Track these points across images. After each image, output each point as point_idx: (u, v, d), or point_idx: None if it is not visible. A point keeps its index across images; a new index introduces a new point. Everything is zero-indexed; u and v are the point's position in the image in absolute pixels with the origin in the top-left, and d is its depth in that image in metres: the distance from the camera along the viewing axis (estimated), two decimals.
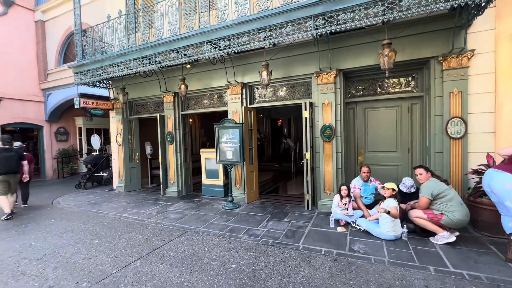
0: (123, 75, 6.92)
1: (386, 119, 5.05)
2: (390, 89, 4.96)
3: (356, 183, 4.50)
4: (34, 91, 10.22)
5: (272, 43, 4.33)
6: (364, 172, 4.45)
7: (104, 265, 3.16)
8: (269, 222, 4.44)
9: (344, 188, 4.25)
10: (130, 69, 5.75)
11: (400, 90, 4.89)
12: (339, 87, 4.86)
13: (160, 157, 6.77)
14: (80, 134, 11.57)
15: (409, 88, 4.85)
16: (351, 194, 4.40)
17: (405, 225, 3.61)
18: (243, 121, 5.52)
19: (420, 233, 3.60)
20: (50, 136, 10.70)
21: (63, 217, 5.27)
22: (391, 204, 3.54)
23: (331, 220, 4.14)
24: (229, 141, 5.42)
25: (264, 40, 4.24)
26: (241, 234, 3.99)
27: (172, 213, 5.18)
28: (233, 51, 4.57)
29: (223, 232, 4.10)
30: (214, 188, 6.43)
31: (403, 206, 3.86)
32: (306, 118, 4.97)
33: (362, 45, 4.64)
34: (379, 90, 5.03)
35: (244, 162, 5.53)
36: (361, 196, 4.48)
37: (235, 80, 5.69)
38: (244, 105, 5.78)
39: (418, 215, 3.49)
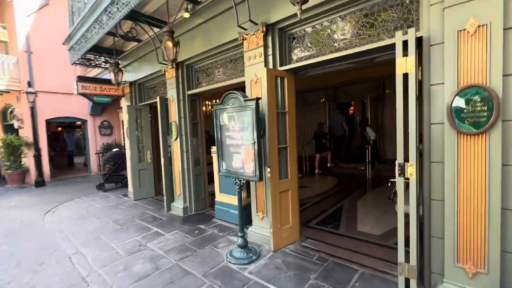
0: (121, 51, 5.21)
1: None
2: None
3: None
4: None
5: None
6: None
7: None
8: None
9: None
10: (103, 27, 3.83)
11: None
12: None
13: (162, 158, 4.78)
14: (123, 128, 10.97)
15: None
16: None
17: None
18: (268, 96, 2.87)
19: None
20: (94, 130, 10.35)
21: (18, 243, 3.81)
22: None
23: None
24: (235, 135, 2.87)
25: None
26: None
27: (143, 260, 3.03)
28: None
29: None
30: (230, 210, 4.03)
31: None
32: (407, 74, 1.96)
33: None
34: None
35: (269, 175, 2.92)
36: None
37: (250, 20, 3.04)
38: (271, 66, 3.11)
39: None
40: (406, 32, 1.97)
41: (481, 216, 1.82)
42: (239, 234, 2.94)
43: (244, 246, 2.95)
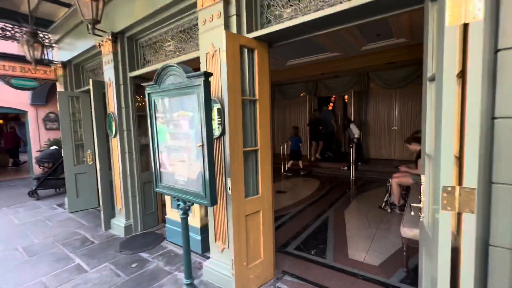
0: (50, 20, 3.90)
1: None
2: None
3: None
4: None
5: None
6: None
7: None
8: None
9: None
10: None
11: None
12: None
13: (97, 162, 3.64)
14: None
15: None
16: None
17: None
18: (229, 75, 1.90)
19: None
20: (37, 124, 8.73)
21: None
22: None
23: None
24: (178, 133, 1.88)
25: None
26: None
27: None
28: None
29: None
30: None
31: None
32: (466, 26, 1.09)
33: None
34: None
35: (230, 192, 1.97)
36: None
37: None
38: (234, 30, 2.13)
39: None
40: None
41: None
42: (185, 280, 1.96)
43: None
